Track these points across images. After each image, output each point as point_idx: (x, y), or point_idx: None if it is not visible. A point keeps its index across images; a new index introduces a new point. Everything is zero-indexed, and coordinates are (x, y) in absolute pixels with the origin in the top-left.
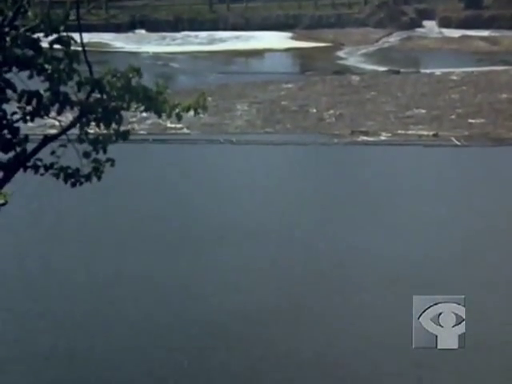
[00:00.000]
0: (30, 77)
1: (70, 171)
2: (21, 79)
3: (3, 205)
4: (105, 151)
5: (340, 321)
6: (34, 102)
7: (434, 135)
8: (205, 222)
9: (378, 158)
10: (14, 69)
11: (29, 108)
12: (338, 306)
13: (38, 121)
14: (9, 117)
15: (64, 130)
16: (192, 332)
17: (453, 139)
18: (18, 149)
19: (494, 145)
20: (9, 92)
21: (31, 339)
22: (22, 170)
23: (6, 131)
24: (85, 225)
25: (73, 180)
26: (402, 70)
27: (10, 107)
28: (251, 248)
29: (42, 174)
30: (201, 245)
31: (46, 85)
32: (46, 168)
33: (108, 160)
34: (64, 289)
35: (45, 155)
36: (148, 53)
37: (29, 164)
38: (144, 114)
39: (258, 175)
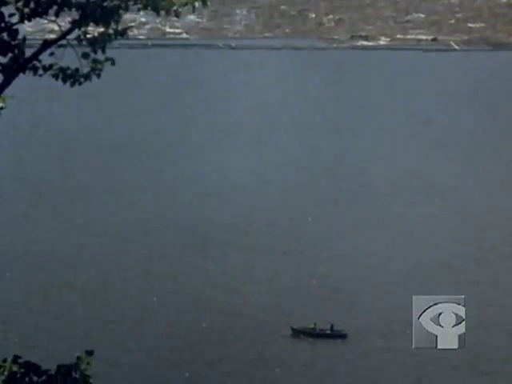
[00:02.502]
0: None
1: (69, 71)
2: None
3: (1, 109)
4: (103, 51)
5: None
6: (32, 3)
7: (434, 40)
8: (202, 124)
9: (378, 63)
10: None
11: (26, 10)
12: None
13: (37, 26)
14: (7, 19)
15: (64, 34)
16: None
17: (452, 44)
18: (17, 51)
19: (493, 49)
20: None
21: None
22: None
23: (4, 34)
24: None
25: (72, 80)
26: None
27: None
28: (247, 148)
29: (40, 75)
30: (197, 146)
31: None
32: (45, 69)
33: (107, 59)
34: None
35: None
36: None
37: (28, 66)
38: (143, 19)
39: (257, 80)
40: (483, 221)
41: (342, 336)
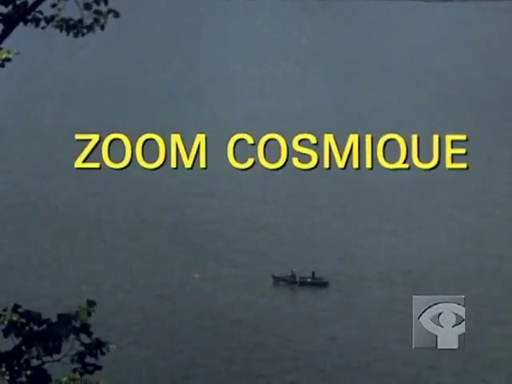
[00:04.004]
0: None
1: (71, 22)
2: None
3: (7, 60)
4: (106, 2)
5: None
6: None
7: None
8: (197, 71)
9: (378, 12)
10: None
11: None
12: None
13: None
14: None
15: None
16: None
17: None
18: (18, 1)
19: None
20: None
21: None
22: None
23: None
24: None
25: (75, 31)
26: None
27: None
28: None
29: (43, 28)
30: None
31: None
32: (47, 20)
33: (110, 11)
34: None
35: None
36: None
37: (29, 17)
38: None
39: (252, 28)
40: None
41: (323, 284)
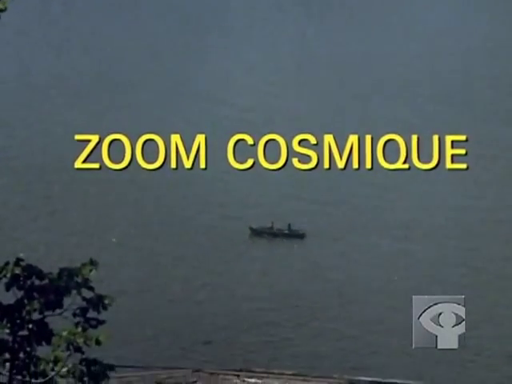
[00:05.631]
0: None
1: None
2: None
3: (2, 11)
4: None
5: None
6: None
7: None
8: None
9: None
10: None
11: None
12: None
13: None
14: None
15: None
16: None
17: None
18: None
19: None
20: None
21: None
22: None
23: None
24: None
25: None
26: None
27: None
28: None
29: None
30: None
31: None
32: None
33: None
34: None
35: None
36: None
37: None
38: None
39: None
40: None
41: (300, 236)
